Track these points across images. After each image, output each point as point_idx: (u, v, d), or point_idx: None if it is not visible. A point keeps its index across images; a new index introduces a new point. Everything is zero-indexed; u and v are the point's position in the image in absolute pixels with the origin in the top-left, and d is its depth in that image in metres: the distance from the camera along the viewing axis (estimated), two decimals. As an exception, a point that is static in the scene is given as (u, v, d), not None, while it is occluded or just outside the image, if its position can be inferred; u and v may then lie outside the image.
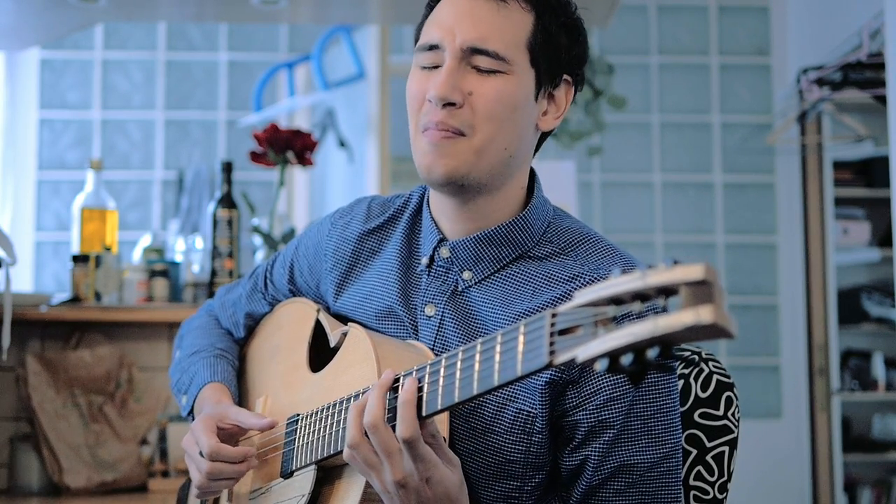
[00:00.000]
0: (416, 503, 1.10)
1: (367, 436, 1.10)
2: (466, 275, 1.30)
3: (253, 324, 1.56)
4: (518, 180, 1.30)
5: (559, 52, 1.28)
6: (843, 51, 3.80)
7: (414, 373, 1.11)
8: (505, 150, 1.25)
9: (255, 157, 2.73)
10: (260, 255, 2.75)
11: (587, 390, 1.20)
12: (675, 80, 4.74)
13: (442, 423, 1.18)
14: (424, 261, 1.32)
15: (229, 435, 1.33)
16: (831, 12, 4.26)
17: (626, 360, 0.86)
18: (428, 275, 1.32)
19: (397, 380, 1.12)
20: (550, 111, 1.30)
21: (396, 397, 1.09)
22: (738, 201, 4.70)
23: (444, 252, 1.31)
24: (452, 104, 1.22)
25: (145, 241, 2.88)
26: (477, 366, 1.02)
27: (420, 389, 1.08)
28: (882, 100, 3.45)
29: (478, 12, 1.24)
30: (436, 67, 1.25)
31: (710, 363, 1.42)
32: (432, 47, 1.25)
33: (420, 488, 1.09)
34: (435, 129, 1.23)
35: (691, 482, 1.38)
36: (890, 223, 3.31)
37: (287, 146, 2.69)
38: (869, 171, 4.57)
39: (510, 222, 1.29)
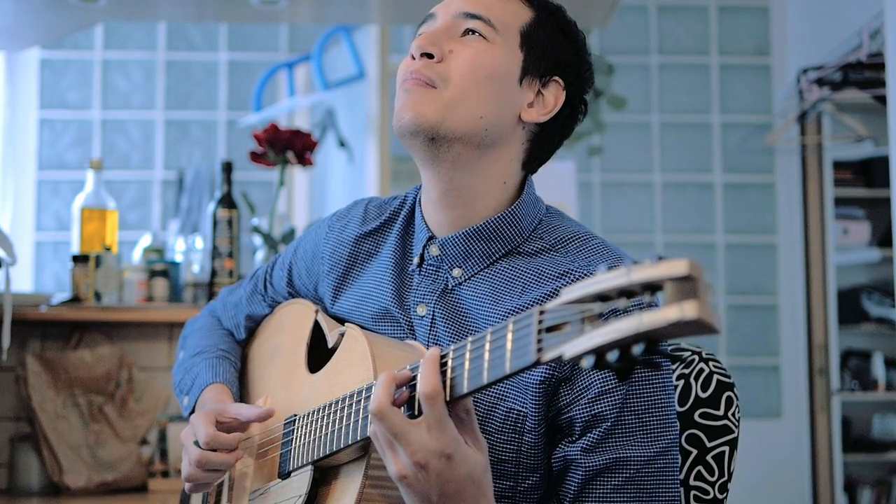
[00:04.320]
0: (438, 488, 1.05)
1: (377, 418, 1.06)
2: (456, 272, 1.29)
3: (253, 325, 1.56)
4: (499, 168, 1.29)
5: (552, 50, 1.29)
6: (843, 51, 3.80)
7: (408, 369, 1.10)
8: (481, 119, 1.25)
9: (255, 157, 2.73)
10: (260, 255, 2.75)
11: (579, 386, 1.20)
12: (675, 80, 4.75)
13: None
14: (415, 260, 1.32)
15: (228, 429, 1.33)
16: (831, 12, 4.26)
17: (612, 356, 0.85)
18: (419, 274, 1.32)
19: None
20: (537, 106, 1.29)
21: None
22: (738, 201, 4.70)
23: (434, 250, 1.30)
24: (431, 56, 1.25)
25: (145, 241, 2.88)
26: (467, 364, 1.02)
27: (413, 388, 1.08)
28: (882, 100, 3.45)
29: None
30: None
31: (711, 363, 1.42)
32: (428, 17, 1.30)
33: (440, 470, 1.04)
34: (410, 79, 1.25)
35: (691, 482, 1.38)
36: (890, 223, 3.32)
37: (287, 146, 2.69)
38: (869, 171, 4.57)
39: (498, 217, 1.28)
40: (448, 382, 1.04)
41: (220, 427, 1.31)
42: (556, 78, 1.30)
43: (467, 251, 1.29)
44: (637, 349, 0.84)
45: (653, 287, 0.84)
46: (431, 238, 1.31)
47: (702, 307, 0.80)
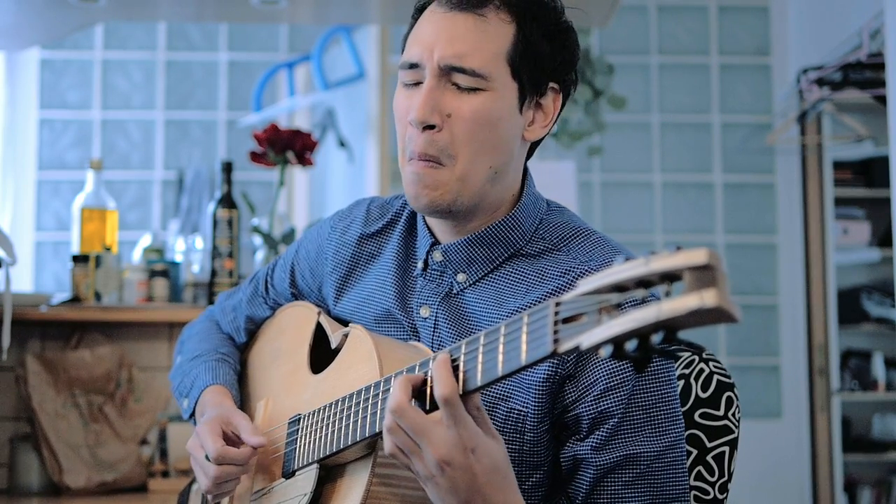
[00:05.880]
0: (465, 482, 1.06)
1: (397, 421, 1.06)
2: (461, 277, 1.30)
3: (254, 328, 1.56)
4: (507, 189, 1.30)
5: (542, 62, 1.26)
6: (843, 51, 3.80)
7: (417, 367, 1.11)
8: (490, 169, 1.25)
9: (255, 157, 2.73)
10: (260, 256, 2.75)
11: (584, 382, 1.20)
12: (675, 80, 4.75)
13: None
14: (420, 265, 1.33)
15: (234, 439, 1.33)
16: (831, 12, 4.26)
17: (630, 346, 0.86)
18: (423, 278, 1.33)
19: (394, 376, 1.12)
20: (538, 120, 1.29)
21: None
22: (738, 201, 4.70)
23: (437, 256, 1.31)
24: (432, 127, 1.22)
25: (145, 241, 2.87)
26: (480, 357, 1.02)
27: (424, 383, 1.08)
28: (882, 100, 3.45)
29: (455, 28, 1.22)
30: (417, 85, 1.25)
31: (711, 363, 1.42)
32: (412, 66, 1.25)
33: (467, 464, 1.05)
34: (417, 159, 1.23)
35: (692, 482, 1.38)
36: (890, 223, 3.32)
37: (287, 146, 2.69)
38: (869, 171, 4.57)
39: (500, 222, 1.29)
40: (461, 378, 1.04)
41: (225, 437, 1.31)
42: (552, 84, 1.28)
43: (470, 257, 1.29)
44: (656, 338, 0.84)
45: (671, 276, 0.84)
46: (434, 244, 1.32)
47: (721, 295, 0.81)
